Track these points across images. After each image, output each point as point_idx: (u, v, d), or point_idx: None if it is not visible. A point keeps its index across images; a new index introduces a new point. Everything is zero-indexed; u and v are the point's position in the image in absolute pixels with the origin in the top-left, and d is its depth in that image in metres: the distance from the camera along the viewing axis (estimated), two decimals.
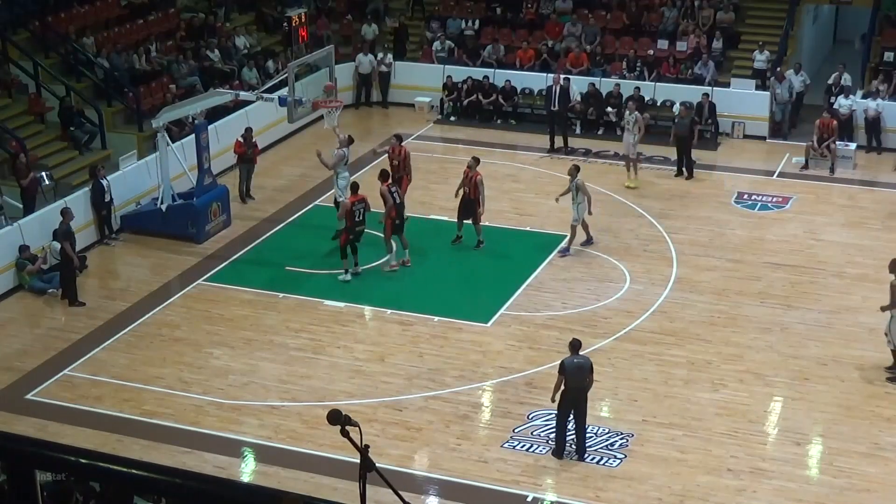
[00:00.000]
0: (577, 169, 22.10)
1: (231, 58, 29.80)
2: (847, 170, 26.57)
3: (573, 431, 16.02)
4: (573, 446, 16.05)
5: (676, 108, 27.32)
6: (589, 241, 22.40)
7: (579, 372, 15.69)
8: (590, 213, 22.06)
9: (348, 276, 21.11)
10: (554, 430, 16.27)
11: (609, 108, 28.87)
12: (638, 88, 28.84)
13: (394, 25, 32.84)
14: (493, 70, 30.70)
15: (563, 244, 22.24)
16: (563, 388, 15.72)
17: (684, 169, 26.10)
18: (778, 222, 23.87)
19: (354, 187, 21.23)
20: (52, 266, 21.24)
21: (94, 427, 16.74)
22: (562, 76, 28.41)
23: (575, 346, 15.96)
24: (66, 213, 21.04)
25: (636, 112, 25.85)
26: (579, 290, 20.82)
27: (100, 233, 22.99)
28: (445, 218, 23.73)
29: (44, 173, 23.36)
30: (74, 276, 20.86)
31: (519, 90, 30.04)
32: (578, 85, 29.12)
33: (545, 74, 29.79)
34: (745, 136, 28.66)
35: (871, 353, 18.64)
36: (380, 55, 31.27)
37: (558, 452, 15.96)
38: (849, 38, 34.36)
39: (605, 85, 29.42)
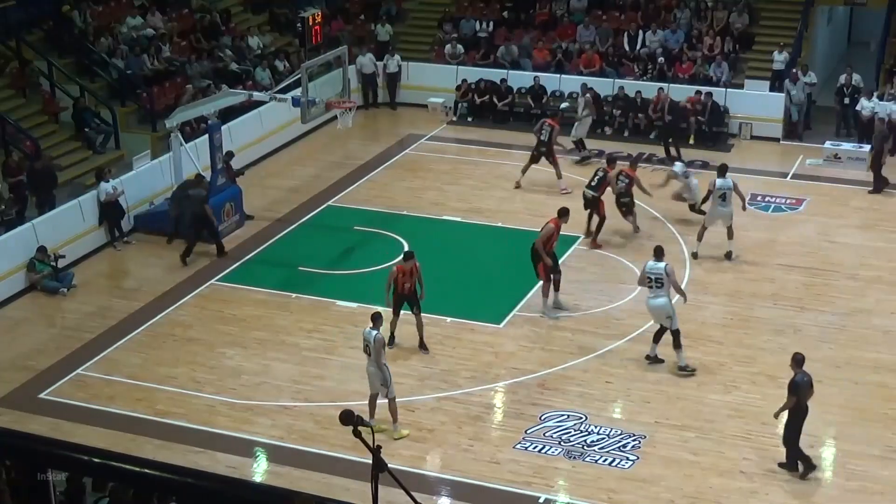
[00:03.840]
0: (720, 171, 21.81)
1: (244, 58, 29.87)
2: (861, 172, 26.48)
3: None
4: (581, 446, 16.08)
5: None
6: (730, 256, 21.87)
7: (809, 388, 15.49)
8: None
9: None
10: (567, 432, 16.35)
11: (615, 111, 29.00)
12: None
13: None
14: (506, 71, 30.73)
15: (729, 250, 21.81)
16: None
17: None
18: (791, 224, 23.80)
19: None
20: (64, 267, 21.38)
21: (107, 426, 16.80)
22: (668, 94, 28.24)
23: (798, 361, 15.69)
24: (201, 179, 22.99)
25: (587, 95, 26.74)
26: (592, 291, 20.79)
27: (109, 235, 23.02)
28: (458, 219, 23.75)
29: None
30: (202, 237, 22.25)
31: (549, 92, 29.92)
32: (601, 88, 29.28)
33: (558, 75, 29.85)
34: (753, 137, 28.63)
35: (885, 356, 18.59)
36: (386, 56, 31.31)
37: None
38: (864, 40, 34.27)
39: (608, 87, 29.56)
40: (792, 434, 15.50)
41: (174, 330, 19.75)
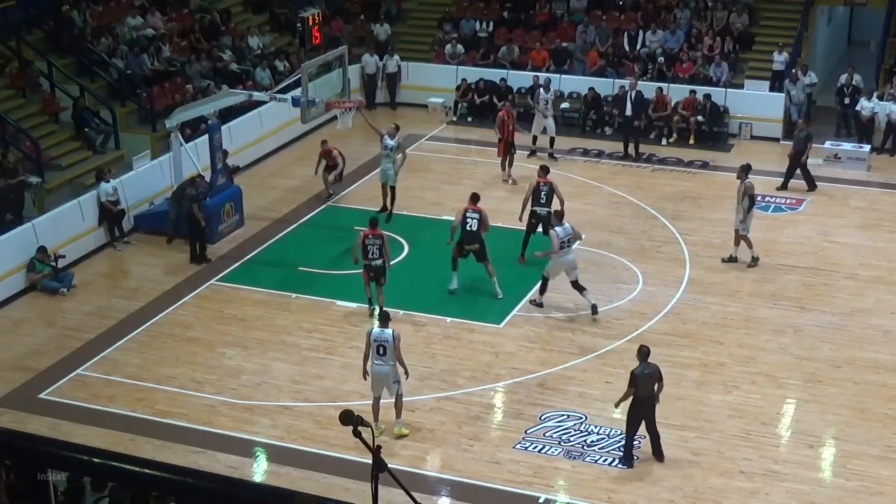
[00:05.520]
0: (745, 171, 21.55)
1: (244, 58, 29.87)
2: (861, 171, 26.48)
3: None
4: (581, 446, 16.09)
5: None
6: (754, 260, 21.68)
7: (649, 380, 15.65)
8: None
9: None
10: (567, 432, 16.36)
11: (615, 111, 29.02)
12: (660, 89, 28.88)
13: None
14: (507, 71, 30.75)
15: (751, 257, 21.61)
16: (632, 397, 15.68)
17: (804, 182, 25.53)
18: (791, 224, 23.81)
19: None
20: (64, 267, 21.36)
21: (107, 426, 16.79)
22: (637, 82, 28.22)
23: (644, 353, 15.82)
24: (200, 179, 22.79)
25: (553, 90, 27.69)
26: (592, 291, 20.74)
27: (109, 235, 23.01)
28: None
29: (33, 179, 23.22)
30: (203, 237, 22.22)
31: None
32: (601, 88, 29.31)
33: (558, 75, 29.83)
34: (753, 137, 28.66)
35: (885, 356, 18.60)
36: (385, 56, 31.32)
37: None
38: (864, 40, 34.28)
39: (608, 87, 29.59)
40: (629, 424, 15.75)
41: (174, 330, 19.76)
